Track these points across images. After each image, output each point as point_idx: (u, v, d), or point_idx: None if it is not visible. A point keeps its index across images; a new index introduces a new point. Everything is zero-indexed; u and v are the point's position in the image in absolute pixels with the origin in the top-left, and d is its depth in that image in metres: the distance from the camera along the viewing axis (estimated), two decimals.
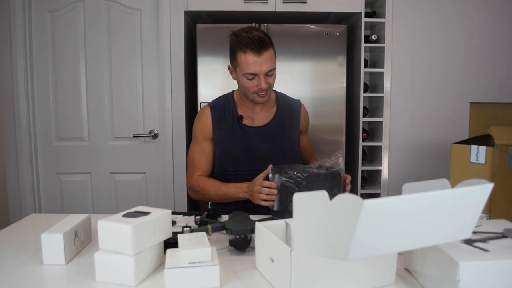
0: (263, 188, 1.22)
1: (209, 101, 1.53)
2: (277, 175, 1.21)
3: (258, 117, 1.45)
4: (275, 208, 1.22)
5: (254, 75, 1.30)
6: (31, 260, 0.96)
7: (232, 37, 1.31)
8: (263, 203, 1.23)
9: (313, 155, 1.63)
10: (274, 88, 1.57)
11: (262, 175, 1.25)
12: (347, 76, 2.28)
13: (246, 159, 1.42)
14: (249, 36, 1.27)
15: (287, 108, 1.49)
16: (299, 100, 1.56)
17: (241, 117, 1.43)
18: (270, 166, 1.25)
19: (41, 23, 2.34)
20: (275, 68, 1.34)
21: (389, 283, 0.82)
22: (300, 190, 1.16)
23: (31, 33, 2.33)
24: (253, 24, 2.20)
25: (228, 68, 1.39)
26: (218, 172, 1.47)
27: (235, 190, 1.34)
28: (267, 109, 1.47)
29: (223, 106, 1.46)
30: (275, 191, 1.20)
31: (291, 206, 1.17)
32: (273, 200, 1.21)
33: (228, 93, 1.51)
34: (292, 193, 1.17)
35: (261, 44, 1.27)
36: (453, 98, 2.37)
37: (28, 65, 2.32)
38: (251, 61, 1.28)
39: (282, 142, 1.45)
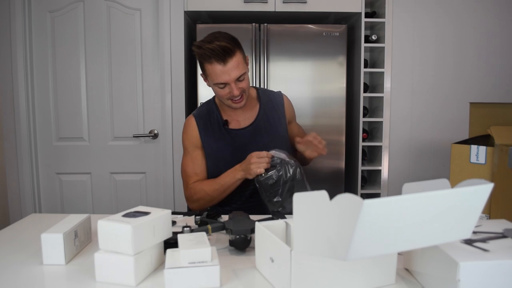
0: (259, 158, 1.24)
1: (204, 101, 1.52)
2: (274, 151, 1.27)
3: (242, 118, 1.44)
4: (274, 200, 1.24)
5: (225, 84, 1.28)
6: (31, 260, 0.96)
7: (196, 50, 1.28)
8: (261, 171, 1.24)
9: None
10: (273, 89, 1.57)
11: None
12: (347, 76, 2.28)
13: (239, 162, 1.40)
14: (211, 48, 1.23)
15: (270, 103, 1.48)
16: (280, 92, 1.54)
17: (226, 122, 1.42)
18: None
19: (41, 23, 2.34)
20: (245, 72, 1.30)
21: (389, 283, 0.82)
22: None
23: (31, 33, 2.33)
24: (253, 24, 2.20)
25: (201, 76, 1.37)
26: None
27: (231, 174, 1.32)
28: (250, 108, 1.45)
29: (207, 114, 1.44)
30: (268, 157, 1.24)
31: (277, 197, 1.23)
32: (267, 166, 1.24)
33: (210, 99, 1.49)
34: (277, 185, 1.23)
35: (225, 53, 1.23)
36: (453, 98, 2.37)
37: (28, 65, 2.32)
38: (218, 71, 1.25)
39: (271, 137, 1.43)
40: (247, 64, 1.34)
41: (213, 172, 1.43)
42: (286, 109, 1.50)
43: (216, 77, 1.27)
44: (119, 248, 0.82)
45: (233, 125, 1.43)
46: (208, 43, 1.25)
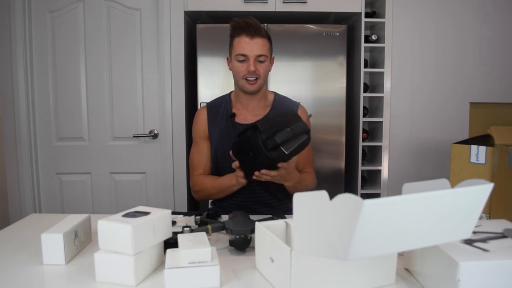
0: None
1: (209, 101, 1.56)
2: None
3: (251, 114, 1.46)
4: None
5: (245, 56, 1.34)
6: (31, 260, 0.96)
7: (231, 23, 1.37)
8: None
9: (307, 168, 1.53)
10: (275, 90, 1.57)
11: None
12: (347, 76, 2.28)
13: None
14: (246, 21, 1.34)
15: (284, 108, 1.48)
16: (298, 103, 1.54)
17: (233, 115, 1.46)
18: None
19: (41, 23, 2.33)
20: (267, 57, 1.37)
21: (389, 283, 0.82)
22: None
23: (31, 33, 2.33)
24: None
25: (227, 59, 1.44)
26: (215, 170, 1.49)
27: (229, 177, 1.37)
28: (262, 107, 1.47)
29: (219, 106, 1.50)
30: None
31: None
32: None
33: (226, 94, 1.54)
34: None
35: (256, 29, 1.34)
36: (453, 98, 2.37)
37: (28, 65, 2.32)
38: (243, 43, 1.34)
39: None
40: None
41: (215, 161, 1.47)
42: None
43: (239, 48, 1.35)
44: (119, 248, 0.82)
45: (239, 119, 1.46)
46: (244, 18, 1.35)
